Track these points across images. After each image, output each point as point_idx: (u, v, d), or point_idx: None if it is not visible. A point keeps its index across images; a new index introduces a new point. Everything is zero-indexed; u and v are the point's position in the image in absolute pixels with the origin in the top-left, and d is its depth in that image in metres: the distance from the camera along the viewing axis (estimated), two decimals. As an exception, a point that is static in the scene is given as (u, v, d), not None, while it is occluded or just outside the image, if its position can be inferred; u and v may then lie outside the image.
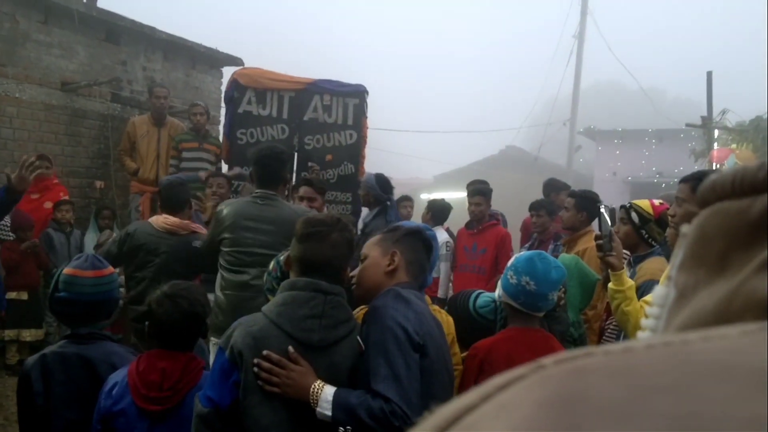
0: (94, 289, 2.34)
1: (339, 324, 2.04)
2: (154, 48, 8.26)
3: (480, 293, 3.00)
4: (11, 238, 5.82)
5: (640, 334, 0.43)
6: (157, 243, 3.92)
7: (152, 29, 8.07)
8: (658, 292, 0.40)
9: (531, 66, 29.68)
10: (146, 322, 2.16)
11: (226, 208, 3.74)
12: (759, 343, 0.24)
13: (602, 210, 2.96)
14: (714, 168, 10.96)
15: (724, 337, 0.25)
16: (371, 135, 7.00)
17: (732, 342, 0.24)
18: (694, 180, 2.77)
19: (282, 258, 2.43)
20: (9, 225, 5.75)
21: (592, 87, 33.51)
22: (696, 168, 12.28)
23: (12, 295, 5.80)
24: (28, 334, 5.79)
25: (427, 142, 27.28)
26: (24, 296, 5.82)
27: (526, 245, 5.63)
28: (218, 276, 3.74)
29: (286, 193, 4.42)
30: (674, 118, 16.51)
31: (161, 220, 4.04)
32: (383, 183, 5.40)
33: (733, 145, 11.20)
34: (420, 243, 2.31)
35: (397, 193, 6.19)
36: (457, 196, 9.73)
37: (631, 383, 0.24)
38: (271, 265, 2.49)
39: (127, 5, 9.62)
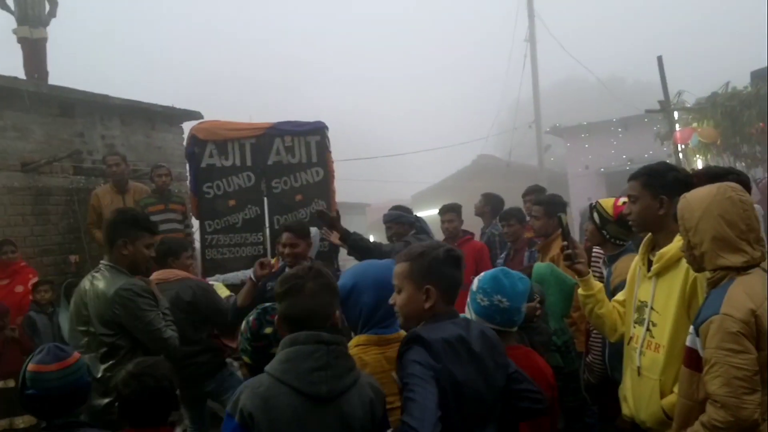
0: (60, 382, 2.32)
1: (345, 374, 2.04)
2: (110, 115, 8.26)
3: None
4: (-12, 329, 5.75)
5: None
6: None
7: (105, 97, 8.08)
8: None
9: (491, 74, 30.03)
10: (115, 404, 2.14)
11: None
12: None
13: (561, 218, 2.99)
14: (678, 149, 11.14)
15: None
16: (344, 166, 7.07)
17: None
18: (642, 176, 2.81)
19: (251, 319, 2.43)
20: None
21: (554, 86, 33.88)
22: (664, 150, 12.47)
23: (-1, 384, 5.73)
24: (21, 421, 5.68)
25: (399, 165, 27.38)
26: (11, 384, 5.71)
27: (502, 255, 5.66)
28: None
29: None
30: (637, 103, 16.74)
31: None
32: (404, 209, 5.67)
33: (694, 124, 11.38)
34: (450, 263, 2.29)
35: (375, 217, 6.27)
36: (434, 213, 9.72)
37: None
38: (243, 326, 2.48)
39: (79, 77, 9.65)
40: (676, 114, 11.42)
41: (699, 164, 11.32)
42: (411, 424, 1.96)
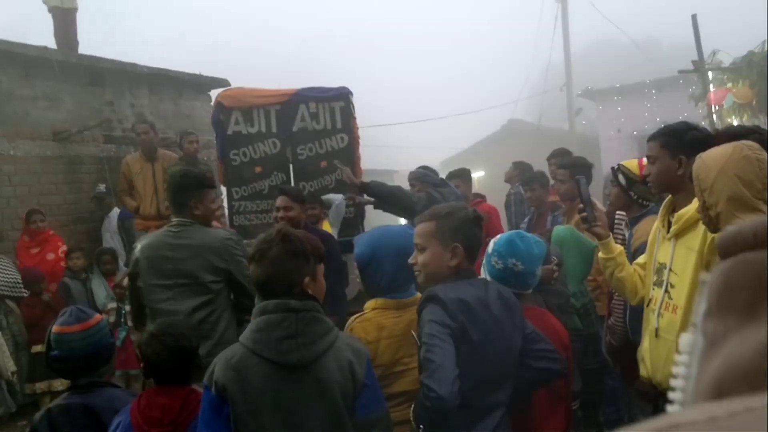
0: (83, 342, 2.42)
1: (317, 340, 2.03)
2: (139, 83, 8.35)
3: None
4: (26, 295, 5.93)
5: (673, 381, 0.43)
6: None
7: (134, 65, 8.16)
8: (686, 340, 0.41)
9: (522, 36, 29.47)
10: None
11: (138, 244, 3.65)
12: None
13: (579, 180, 2.97)
14: (712, 110, 10.88)
15: None
16: (371, 133, 7.09)
17: None
18: (661, 136, 2.76)
19: None
20: (20, 282, 5.86)
21: (587, 48, 33.17)
22: (699, 111, 12.18)
23: (37, 348, 5.92)
24: (60, 383, 5.89)
25: (429, 131, 27.22)
26: (49, 348, 5.93)
27: (526, 219, 5.65)
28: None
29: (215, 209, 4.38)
30: (672, 65, 16.32)
31: None
32: (430, 169, 5.73)
33: (729, 84, 11.08)
34: (476, 224, 2.35)
35: (403, 183, 6.32)
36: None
37: None
38: None
39: (107, 47, 9.74)
40: (710, 74, 11.12)
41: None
42: (430, 385, 2.01)
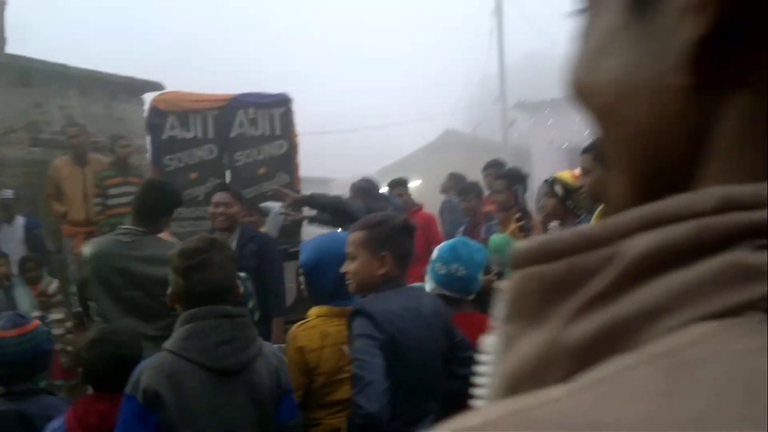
0: (19, 348, 2.37)
1: (249, 345, 2.07)
2: (69, 85, 8.09)
3: None
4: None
5: (475, 379, 0.49)
6: None
7: (63, 66, 7.91)
8: (489, 341, 0.46)
9: (459, 49, 30.03)
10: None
11: (88, 248, 3.30)
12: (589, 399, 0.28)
13: (517, 191, 3.07)
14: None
15: (558, 399, 0.29)
16: (308, 140, 7.10)
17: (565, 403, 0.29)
18: (595, 149, 2.87)
19: None
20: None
21: (523, 60, 33.99)
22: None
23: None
24: (-21, 396, 5.64)
25: (366, 139, 27.35)
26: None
27: (461, 229, 5.78)
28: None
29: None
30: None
31: None
32: (373, 183, 5.75)
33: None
34: (406, 234, 2.37)
35: (339, 192, 6.40)
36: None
37: None
38: None
39: (37, 46, 9.42)
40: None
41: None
42: (359, 402, 2.01)
